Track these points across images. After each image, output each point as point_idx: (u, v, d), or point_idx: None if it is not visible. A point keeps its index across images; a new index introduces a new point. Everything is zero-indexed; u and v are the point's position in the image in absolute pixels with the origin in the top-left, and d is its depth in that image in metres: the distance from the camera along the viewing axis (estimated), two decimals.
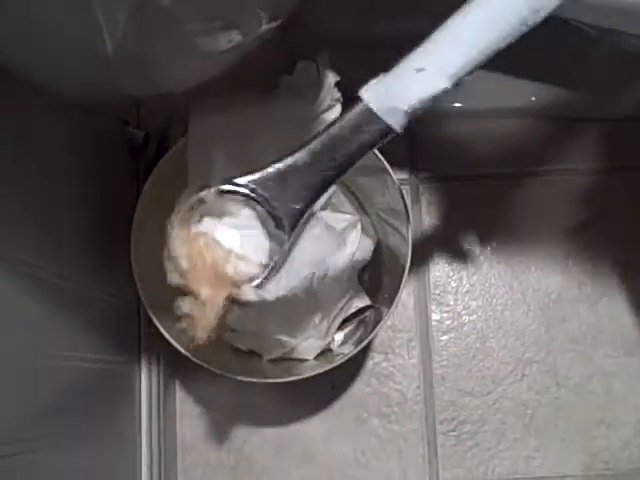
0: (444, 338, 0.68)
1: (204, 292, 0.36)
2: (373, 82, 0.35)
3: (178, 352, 0.64)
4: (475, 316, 0.69)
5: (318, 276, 0.52)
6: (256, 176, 0.37)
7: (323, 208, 0.56)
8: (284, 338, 0.61)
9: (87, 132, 0.54)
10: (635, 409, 0.67)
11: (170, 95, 0.56)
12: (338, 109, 0.53)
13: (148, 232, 0.53)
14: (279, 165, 0.36)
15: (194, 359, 0.53)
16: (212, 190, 0.37)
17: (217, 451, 0.67)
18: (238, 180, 0.37)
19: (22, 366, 0.40)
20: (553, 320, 0.69)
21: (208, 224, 0.38)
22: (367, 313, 0.64)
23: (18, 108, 0.41)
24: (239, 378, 0.55)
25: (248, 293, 0.37)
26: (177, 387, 0.67)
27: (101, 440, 0.55)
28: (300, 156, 0.36)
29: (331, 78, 0.53)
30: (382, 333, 0.68)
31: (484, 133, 0.71)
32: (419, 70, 0.33)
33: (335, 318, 0.63)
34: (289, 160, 0.36)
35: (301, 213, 0.37)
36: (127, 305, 0.61)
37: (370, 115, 0.34)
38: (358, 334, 0.62)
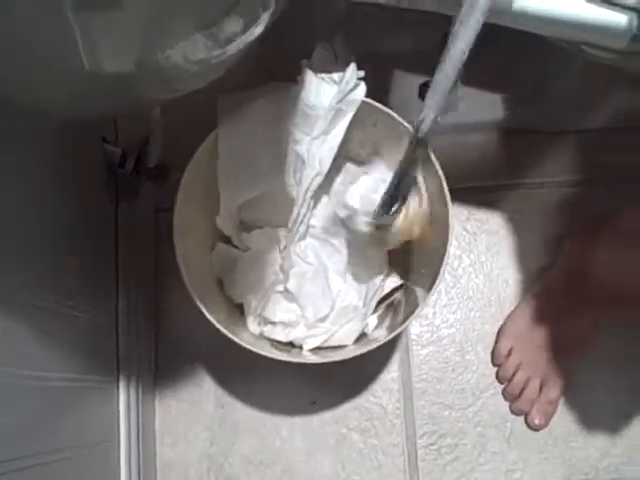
0: (423, 352, 0.68)
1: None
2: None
3: (157, 370, 0.64)
4: (454, 329, 0.69)
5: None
6: None
7: None
8: (327, 325, 0.62)
9: (63, 149, 0.54)
10: (613, 419, 0.67)
11: (148, 113, 0.57)
12: (363, 88, 0.54)
13: (188, 218, 0.56)
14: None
15: (232, 336, 0.54)
16: None
17: (197, 469, 0.66)
18: None
19: None
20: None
21: None
22: (396, 295, 0.64)
23: None
24: (278, 357, 0.55)
25: None
26: (156, 405, 0.67)
27: (80, 459, 0.54)
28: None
29: (350, 58, 0.54)
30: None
31: (460, 147, 0.72)
32: None
33: (372, 299, 0.63)
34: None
35: None
36: (105, 324, 0.61)
37: None
38: (388, 318, 0.63)
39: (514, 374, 0.67)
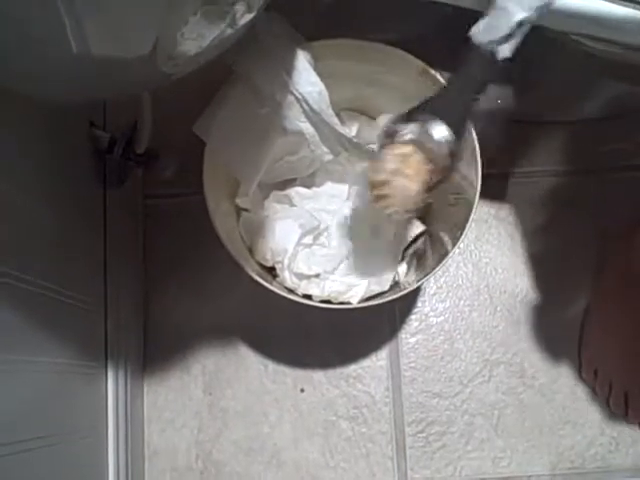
0: (412, 340, 0.69)
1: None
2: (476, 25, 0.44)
3: (146, 357, 0.64)
4: (442, 318, 0.69)
5: None
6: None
7: None
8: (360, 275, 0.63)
9: (50, 133, 0.53)
10: (600, 408, 0.68)
11: (137, 97, 0.56)
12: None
13: (215, 198, 0.57)
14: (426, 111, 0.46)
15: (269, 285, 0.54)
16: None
17: (185, 456, 0.66)
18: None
19: None
20: (520, 321, 0.70)
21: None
22: (420, 241, 0.64)
23: None
24: (326, 306, 0.56)
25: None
26: (145, 392, 0.67)
27: (68, 445, 0.54)
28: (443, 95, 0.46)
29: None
30: (351, 334, 0.68)
31: None
32: (501, 9, 0.43)
33: (399, 247, 0.64)
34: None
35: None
36: (93, 311, 0.60)
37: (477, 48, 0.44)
38: (414, 264, 0.64)
39: (609, 394, 0.67)
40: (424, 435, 0.67)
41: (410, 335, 0.69)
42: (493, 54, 0.44)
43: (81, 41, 0.32)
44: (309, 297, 0.61)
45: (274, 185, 0.66)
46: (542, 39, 0.47)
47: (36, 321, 0.48)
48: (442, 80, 0.55)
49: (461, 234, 0.54)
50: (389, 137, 0.47)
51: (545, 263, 0.70)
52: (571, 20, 0.45)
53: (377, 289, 0.62)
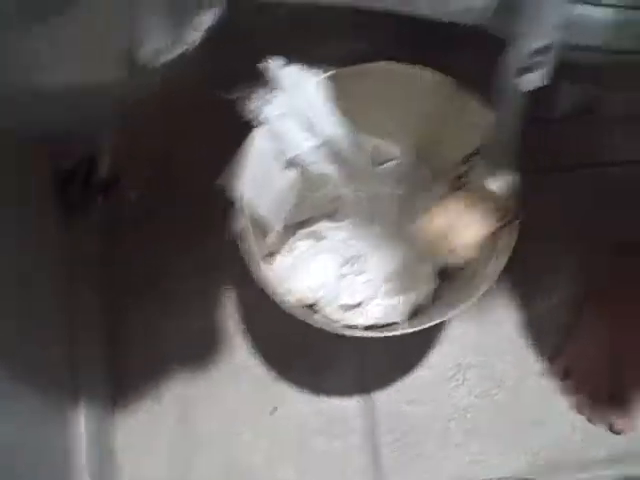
0: (379, 349, 0.68)
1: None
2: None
3: (116, 391, 0.64)
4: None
5: None
6: None
7: None
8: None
9: (7, 163, 0.52)
10: (571, 404, 0.68)
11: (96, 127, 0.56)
12: None
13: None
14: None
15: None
16: None
17: None
18: None
19: None
20: (489, 322, 0.70)
21: None
22: None
23: None
24: (374, 335, 0.57)
25: None
26: (117, 424, 0.66)
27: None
28: None
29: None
30: (317, 348, 0.68)
31: None
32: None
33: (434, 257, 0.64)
34: None
35: None
36: (59, 351, 0.60)
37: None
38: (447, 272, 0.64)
39: (577, 394, 0.68)
40: (399, 444, 0.67)
41: (377, 344, 0.68)
42: (525, 89, 0.42)
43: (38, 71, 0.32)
44: (354, 327, 0.62)
45: (298, 225, 0.66)
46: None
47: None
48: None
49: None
50: (452, 184, 0.49)
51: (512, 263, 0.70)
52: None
53: (421, 301, 0.63)
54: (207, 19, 0.37)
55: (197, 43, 0.37)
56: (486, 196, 0.47)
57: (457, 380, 0.68)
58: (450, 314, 0.55)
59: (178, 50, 0.36)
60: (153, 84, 0.39)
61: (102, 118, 0.52)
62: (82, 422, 0.61)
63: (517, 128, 0.45)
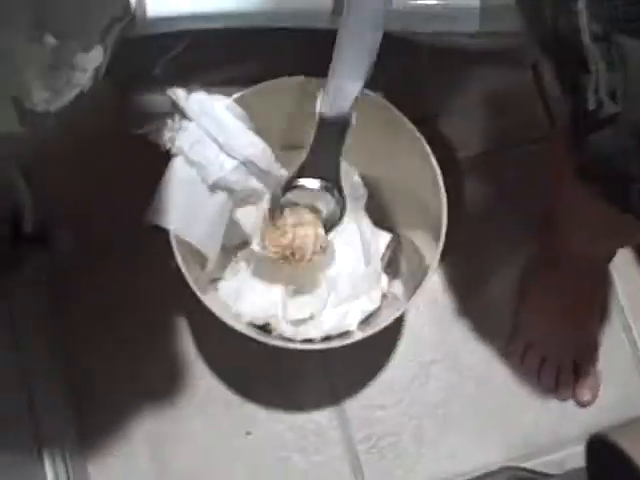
0: (343, 358, 0.68)
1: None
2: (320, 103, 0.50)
3: (84, 439, 0.63)
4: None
5: None
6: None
7: None
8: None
9: None
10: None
11: (9, 180, 0.55)
12: None
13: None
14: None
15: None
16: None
17: None
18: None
19: None
20: (445, 315, 0.71)
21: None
22: (390, 248, 0.66)
23: None
24: (330, 345, 0.59)
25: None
26: (89, 472, 0.65)
27: None
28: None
29: None
30: (284, 363, 0.68)
31: None
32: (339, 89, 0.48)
33: (373, 259, 0.64)
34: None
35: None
36: (18, 408, 0.59)
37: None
38: (390, 272, 0.66)
39: (540, 368, 0.69)
40: (377, 449, 0.67)
41: (340, 353, 0.69)
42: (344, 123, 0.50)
43: None
44: (310, 341, 0.61)
45: (240, 245, 0.65)
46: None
47: None
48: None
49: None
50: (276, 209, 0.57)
51: (464, 251, 0.71)
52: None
53: (371, 307, 0.63)
54: (94, 58, 0.37)
55: (90, 83, 0.37)
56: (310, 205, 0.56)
57: (422, 378, 0.69)
58: (399, 311, 0.57)
59: (70, 93, 0.36)
60: (51, 129, 0.38)
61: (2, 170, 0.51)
62: (50, 476, 0.60)
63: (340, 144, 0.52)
